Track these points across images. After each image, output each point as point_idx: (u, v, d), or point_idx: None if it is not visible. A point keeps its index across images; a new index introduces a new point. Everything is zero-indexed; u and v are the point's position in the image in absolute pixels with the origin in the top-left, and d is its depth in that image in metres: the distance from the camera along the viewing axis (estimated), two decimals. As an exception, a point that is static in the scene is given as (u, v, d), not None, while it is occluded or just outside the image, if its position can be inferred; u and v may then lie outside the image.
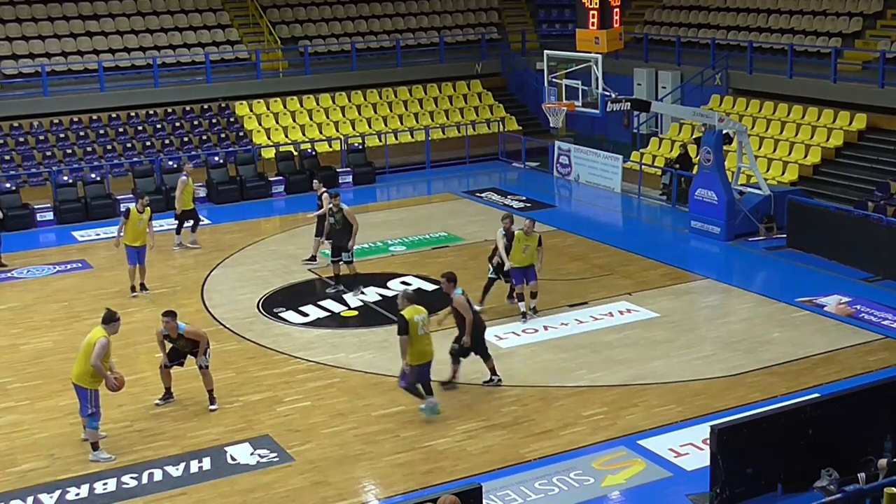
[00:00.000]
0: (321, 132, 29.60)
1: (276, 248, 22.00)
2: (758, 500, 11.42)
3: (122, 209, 19.64)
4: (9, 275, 20.50)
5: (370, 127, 30.18)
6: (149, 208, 19.27)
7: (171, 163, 26.47)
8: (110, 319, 12.95)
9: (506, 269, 17.16)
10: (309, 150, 28.08)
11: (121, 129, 28.05)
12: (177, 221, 22.23)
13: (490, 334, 16.57)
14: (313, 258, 20.59)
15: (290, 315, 17.86)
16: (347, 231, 18.61)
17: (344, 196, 26.77)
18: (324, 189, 20.21)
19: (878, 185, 22.09)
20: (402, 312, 13.51)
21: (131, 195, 25.28)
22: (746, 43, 27.68)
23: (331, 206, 18.83)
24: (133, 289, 19.18)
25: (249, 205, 26.05)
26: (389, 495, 11.95)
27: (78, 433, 13.57)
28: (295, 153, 28.02)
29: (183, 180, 21.99)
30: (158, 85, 28.88)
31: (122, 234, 19.03)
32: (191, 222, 22.38)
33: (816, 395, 13.63)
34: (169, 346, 14.20)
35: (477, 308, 17.07)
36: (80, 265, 21.17)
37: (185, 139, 28.21)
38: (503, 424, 13.53)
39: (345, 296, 18.61)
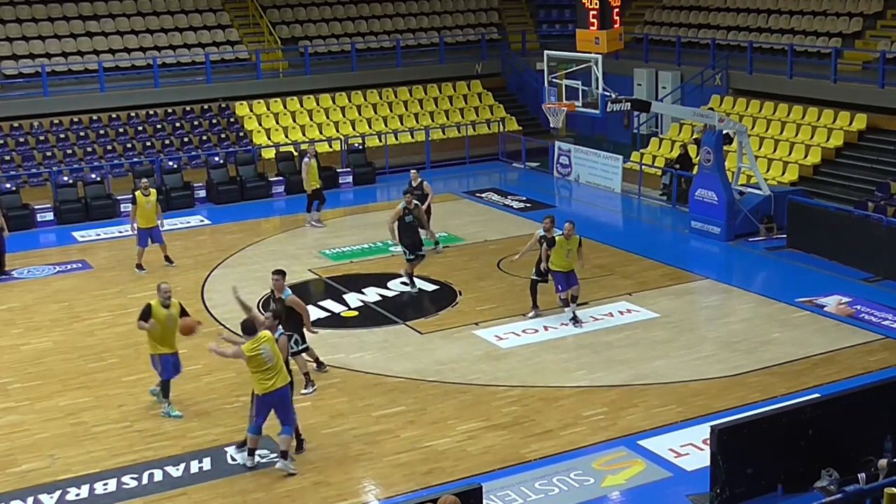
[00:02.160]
0: (321, 132, 29.59)
1: (276, 249, 22.00)
2: (758, 501, 11.43)
3: (130, 196, 21.04)
4: (9, 275, 20.49)
5: (370, 127, 30.18)
6: (153, 190, 20.47)
7: (171, 163, 26.46)
8: (254, 331, 12.29)
9: (541, 268, 17.06)
10: (309, 151, 28.08)
11: (121, 130, 28.04)
12: (308, 201, 23.37)
13: (490, 334, 16.63)
14: (437, 243, 21.04)
15: (290, 315, 17.83)
16: (417, 229, 18.97)
17: (344, 196, 26.91)
18: (421, 179, 20.85)
19: (878, 185, 22.09)
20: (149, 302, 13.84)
21: (131, 195, 25.28)
22: (746, 43, 27.68)
23: (404, 204, 18.89)
24: (139, 266, 20.31)
25: (249, 205, 26.05)
26: (389, 495, 11.95)
27: (78, 433, 13.60)
28: (295, 153, 28.01)
29: (306, 162, 23.01)
30: (158, 85, 28.88)
31: (135, 220, 20.17)
32: (316, 202, 23.38)
33: (816, 395, 13.64)
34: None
35: (531, 314, 17.22)
36: (80, 265, 21.17)
37: (185, 139, 28.21)
38: (503, 424, 13.53)
39: (344, 296, 18.63)
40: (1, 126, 27.22)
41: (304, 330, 14.45)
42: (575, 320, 17.00)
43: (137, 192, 20.33)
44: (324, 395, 14.53)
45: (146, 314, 13.73)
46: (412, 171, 21.78)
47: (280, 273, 14.40)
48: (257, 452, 12.85)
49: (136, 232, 20.39)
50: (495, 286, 18.88)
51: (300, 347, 14.47)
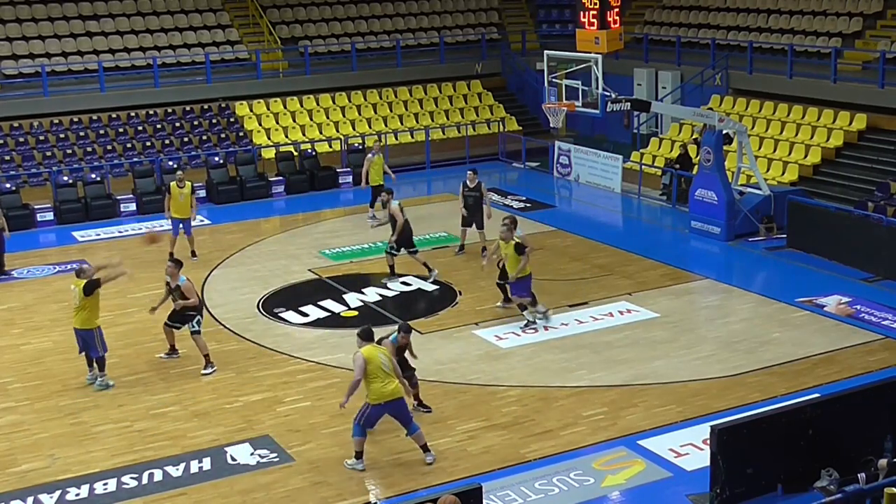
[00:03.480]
0: (321, 132, 29.60)
1: (276, 249, 22.01)
2: (758, 500, 11.43)
3: (164, 186, 21.78)
4: (9, 275, 20.49)
5: (370, 127, 30.17)
6: (188, 182, 20.94)
7: (170, 163, 26.46)
8: (373, 336, 12.56)
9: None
10: (309, 151, 28.09)
11: (121, 129, 28.05)
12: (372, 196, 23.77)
13: (490, 334, 16.64)
14: (462, 248, 21.28)
15: (290, 315, 17.86)
16: (393, 227, 19.24)
17: (344, 196, 26.92)
18: (479, 180, 21.11)
19: (878, 185, 22.09)
20: None
21: (131, 195, 25.36)
22: (746, 43, 27.68)
23: (380, 200, 19.68)
24: (171, 255, 20.44)
25: (249, 205, 26.06)
26: (389, 495, 11.95)
27: (78, 433, 13.60)
28: (295, 153, 28.02)
29: (369, 158, 23.53)
30: (158, 85, 28.89)
31: (169, 209, 20.79)
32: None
33: (816, 395, 13.64)
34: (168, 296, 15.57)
35: (499, 304, 17.51)
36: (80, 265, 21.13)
37: (185, 139, 28.22)
38: (503, 424, 13.54)
39: (344, 296, 18.64)
40: (1, 126, 27.23)
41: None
42: (528, 325, 16.88)
43: (172, 184, 20.87)
44: (324, 395, 14.55)
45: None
46: (469, 171, 21.49)
47: (174, 262, 15.72)
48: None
49: (170, 221, 20.99)
50: (495, 286, 18.86)
51: (198, 328, 15.50)
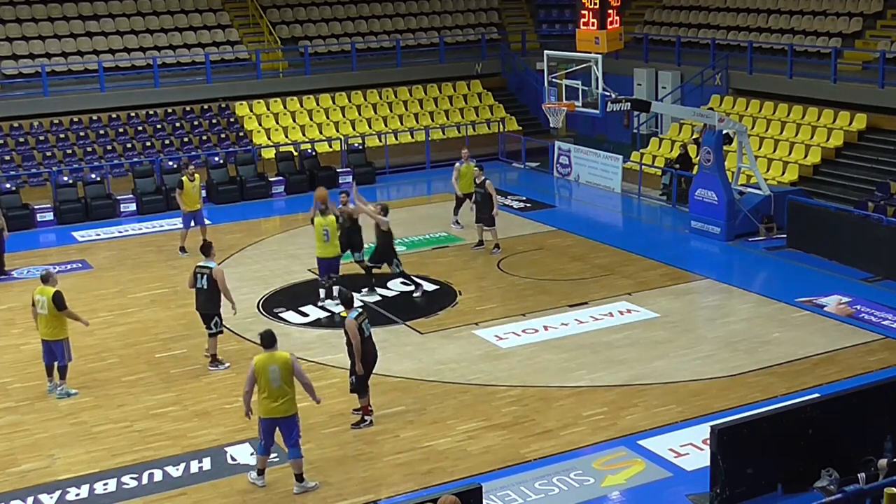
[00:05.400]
0: (321, 132, 29.60)
1: (276, 249, 22.01)
2: (758, 500, 11.43)
3: (176, 181, 21.92)
4: (9, 275, 20.49)
5: (370, 127, 30.18)
6: (197, 175, 21.60)
7: (171, 163, 26.46)
8: (273, 342, 12.00)
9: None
10: (309, 151, 28.09)
11: (121, 130, 28.05)
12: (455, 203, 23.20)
13: (490, 334, 16.64)
14: (480, 243, 21.29)
15: (290, 315, 17.87)
16: (358, 231, 19.21)
17: (344, 196, 26.88)
18: (485, 177, 21.15)
19: (878, 185, 22.09)
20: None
21: (131, 195, 25.36)
22: (746, 43, 27.68)
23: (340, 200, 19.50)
24: (182, 249, 21.34)
25: (249, 205, 26.06)
26: (389, 495, 11.95)
27: (79, 433, 13.60)
28: (295, 153, 28.02)
29: (456, 166, 22.90)
30: (158, 85, 28.88)
31: (183, 204, 21.16)
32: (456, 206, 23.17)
33: (816, 395, 13.64)
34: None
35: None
36: (80, 265, 21.17)
37: (185, 139, 28.22)
38: (503, 424, 13.54)
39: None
40: (1, 126, 27.22)
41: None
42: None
43: (184, 178, 21.22)
44: (324, 395, 14.47)
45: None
46: (476, 168, 21.77)
47: (210, 245, 15.91)
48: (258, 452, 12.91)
49: (182, 217, 21.32)
50: (495, 286, 18.88)
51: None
